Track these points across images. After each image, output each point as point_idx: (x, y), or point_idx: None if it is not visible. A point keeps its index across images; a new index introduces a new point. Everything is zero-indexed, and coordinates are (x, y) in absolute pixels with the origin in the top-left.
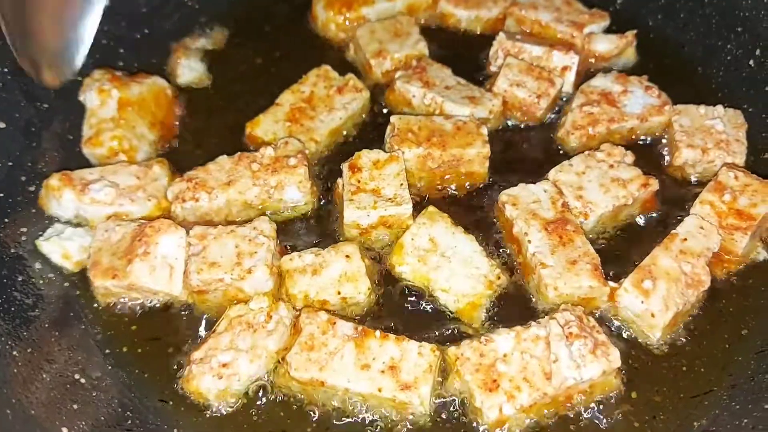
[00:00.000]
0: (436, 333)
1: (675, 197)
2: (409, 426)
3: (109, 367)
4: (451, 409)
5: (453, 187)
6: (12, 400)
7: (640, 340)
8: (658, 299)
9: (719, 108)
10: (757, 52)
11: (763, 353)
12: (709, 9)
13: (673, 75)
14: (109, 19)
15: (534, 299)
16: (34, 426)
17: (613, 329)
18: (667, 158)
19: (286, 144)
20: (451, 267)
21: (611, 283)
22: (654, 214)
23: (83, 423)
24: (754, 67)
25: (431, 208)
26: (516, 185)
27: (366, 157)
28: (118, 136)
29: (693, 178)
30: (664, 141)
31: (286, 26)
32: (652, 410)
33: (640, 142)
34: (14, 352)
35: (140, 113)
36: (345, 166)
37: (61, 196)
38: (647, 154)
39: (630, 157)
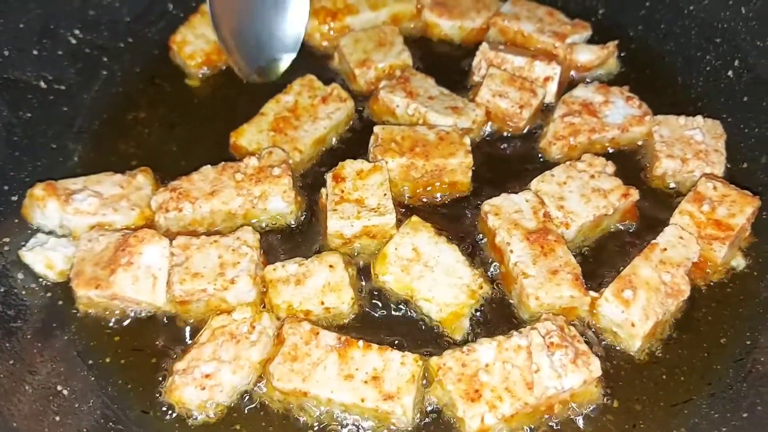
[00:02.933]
0: (419, 343)
1: (655, 207)
2: None
3: (92, 378)
4: (434, 419)
5: (436, 196)
6: None
7: (620, 350)
8: (638, 309)
9: (699, 118)
10: (736, 63)
11: (741, 362)
12: (689, 20)
13: (654, 85)
14: (92, 28)
15: (516, 309)
16: None
17: (593, 339)
18: (647, 168)
19: (270, 154)
20: (434, 276)
21: (592, 293)
22: (634, 224)
23: None
24: (733, 77)
25: (414, 218)
26: (498, 195)
27: (350, 167)
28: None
29: (672, 188)
30: (644, 151)
31: None
32: (632, 419)
33: (621, 152)
34: None
35: (209, 19)
36: (329, 176)
37: (45, 206)
38: (627, 164)
39: (611, 168)
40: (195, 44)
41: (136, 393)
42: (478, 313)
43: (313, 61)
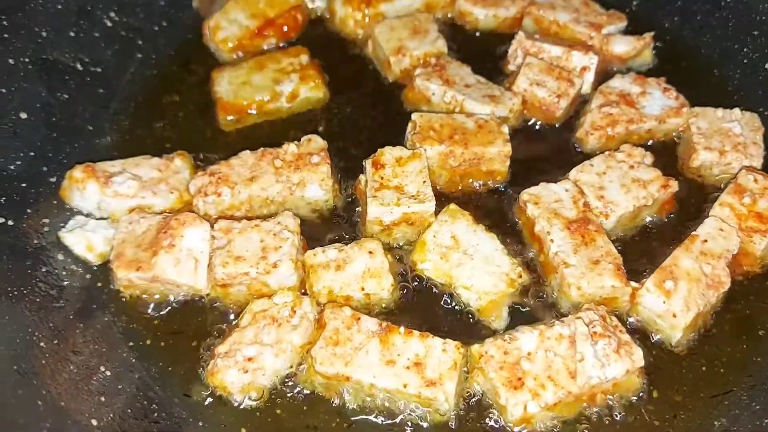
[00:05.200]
0: (458, 330)
1: (691, 199)
2: (433, 422)
3: (133, 360)
4: (476, 405)
5: (474, 185)
6: (42, 391)
7: (660, 340)
8: (679, 300)
9: (736, 111)
10: None
11: None
12: (726, 12)
13: (690, 77)
14: (128, 10)
15: (555, 298)
16: (66, 418)
17: (634, 329)
18: (684, 160)
19: (309, 141)
20: (473, 264)
21: (633, 283)
22: (672, 216)
23: (111, 415)
24: None
25: (453, 206)
26: (534, 185)
27: (389, 153)
28: (215, 17)
29: (710, 181)
30: (681, 143)
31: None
32: (672, 409)
33: (657, 144)
34: (41, 343)
35: (243, 5)
36: (368, 163)
37: (84, 188)
38: (664, 156)
39: (649, 158)
40: (228, 29)
41: (178, 375)
42: (516, 302)
43: (346, 48)
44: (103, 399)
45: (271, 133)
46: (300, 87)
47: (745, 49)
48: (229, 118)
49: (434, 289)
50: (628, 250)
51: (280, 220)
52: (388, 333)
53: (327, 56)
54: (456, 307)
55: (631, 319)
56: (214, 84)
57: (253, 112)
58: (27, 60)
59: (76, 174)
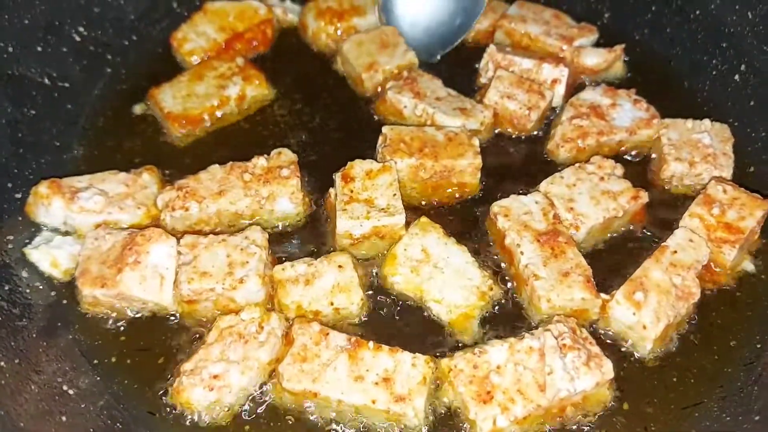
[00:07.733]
0: (429, 344)
1: (663, 210)
2: None
3: (98, 378)
4: (445, 420)
5: (445, 197)
6: (1, 412)
7: (631, 352)
8: (649, 311)
9: (706, 122)
10: (742, 67)
11: (751, 365)
12: (695, 24)
13: (660, 89)
14: (97, 25)
15: (526, 310)
16: None
17: (604, 341)
18: (654, 171)
19: (279, 154)
20: (444, 278)
21: (603, 295)
22: (643, 227)
23: None
24: (740, 82)
25: (423, 219)
26: (506, 197)
27: (359, 166)
28: (183, 29)
29: (680, 191)
30: (651, 154)
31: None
32: (643, 421)
33: (628, 156)
34: (2, 363)
35: (212, 18)
36: (338, 176)
37: (50, 204)
38: (635, 167)
39: (620, 170)
40: (195, 42)
41: (143, 394)
42: (487, 315)
43: (317, 62)
44: (65, 419)
45: (241, 146)
46: (246, 88)
47: (714, 61)
48: (182, 130)
49: (405, 303)
50: (599, 261)
51: (247, 235)
52: (357, 348)
53: (299, 69)
54: (427, 321)
55: (601, 331)
56: (157, 102)
57: (206, 120)
58: None
59: (42, 190)
